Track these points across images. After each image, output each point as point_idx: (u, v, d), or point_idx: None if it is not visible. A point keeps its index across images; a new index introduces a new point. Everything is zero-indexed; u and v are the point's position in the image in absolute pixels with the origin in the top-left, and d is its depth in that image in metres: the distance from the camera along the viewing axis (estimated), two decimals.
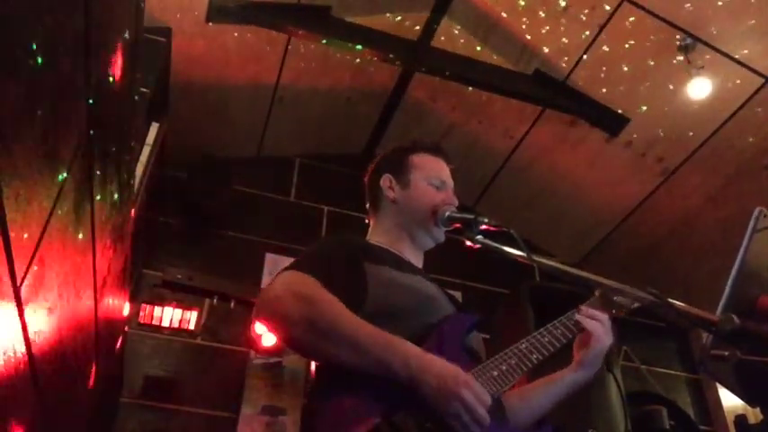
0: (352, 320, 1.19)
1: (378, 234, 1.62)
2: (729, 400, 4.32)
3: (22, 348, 1.20)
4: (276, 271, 1.37)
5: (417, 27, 3.73)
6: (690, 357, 4.69)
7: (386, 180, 1.64)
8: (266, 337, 3.30)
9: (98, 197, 1.51)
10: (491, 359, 1.32)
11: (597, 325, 1.41)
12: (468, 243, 1.45)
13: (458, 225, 1.51)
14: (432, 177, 1.62)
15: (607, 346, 1.44)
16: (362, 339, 1.17)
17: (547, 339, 1.40)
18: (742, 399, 1.67)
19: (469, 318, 1.40)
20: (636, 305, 1.38)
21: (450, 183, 1.66)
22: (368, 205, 1.70)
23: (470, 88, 3.97)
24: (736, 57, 3.39)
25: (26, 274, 1.06)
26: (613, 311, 1.49)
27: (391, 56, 3.73)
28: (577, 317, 1.43)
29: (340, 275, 1.31)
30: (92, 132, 1.31)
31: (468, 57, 3.83)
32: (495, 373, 1.27)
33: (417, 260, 1.60)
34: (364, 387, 1.15)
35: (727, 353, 1.45)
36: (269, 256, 3.88)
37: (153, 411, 3.22)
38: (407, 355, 1.16)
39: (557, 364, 1.51)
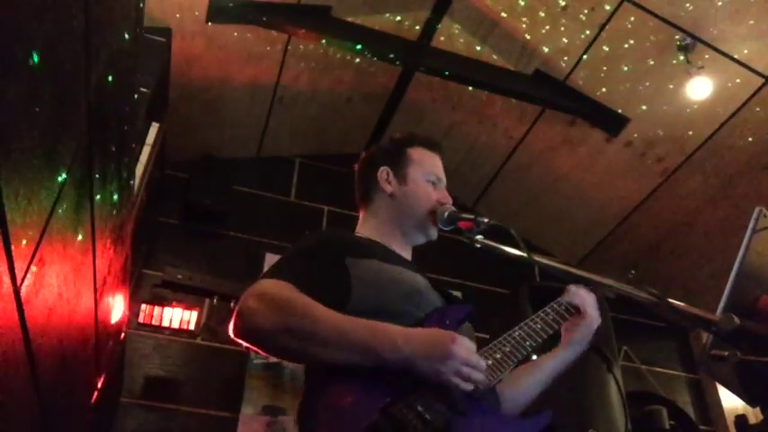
0: (330, 317, 1.17)
1: (368, 227, 1.60)
2: (729, 400, 4.32)
3: (22, 349, 1.20)
4: None
5: (417, 27, 3.73)
6: (690, 357, 4.69)
7: (383, 172, 1.62)
8: None
9: (98, 197, 1.51)
10: (485, 348, 1.32)
11: (587, 302, 1.46)
12: (468, 243, 1.45)
13: (457, 225, 1.51)
14: (429, 173, 1.62)
15: (596, 324, 1.50)
16: (345, 333, 1.15)
17: (539, 326, 1.42)
18: (742, 399, 1.67)
19: (460, 309, 1.39)
20: (621, 291, 1.40)
21: (445, 180, 1.65)
22: (358, 196, 1.67)
23: (470, 88, 3.97)
24: (736, 57, 3.39)
25: (26, 274, 1.06)
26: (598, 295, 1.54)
27: (391, 56, 3.73)
28: (568, 293, 1.48)
29: (318, 276, 1.29)
30: (92, 132, 1.31)
31: (468, 57, 3.83)
32: (490, 362, 1.27)
33: (406, 254, 1.58)
34: (358, 382, 1.15)
35: (727, 353, 1.46)
36: (269, 256, 3.87)
37: (153, 411, 3.22)
38: (392, 335, 1.15)
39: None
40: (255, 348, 1.23)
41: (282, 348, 1.20)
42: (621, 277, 1.37)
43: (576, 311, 1.49)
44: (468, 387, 1.13)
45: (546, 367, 1.50)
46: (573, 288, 1.51)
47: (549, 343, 1.49)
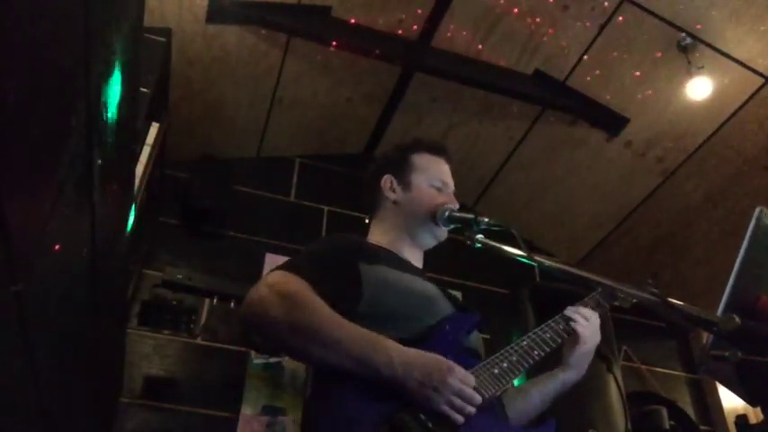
0: (333, 321, 1.18)
1: (377, 234, 1.61)
2: (729, 400, 4.31)
3: (22, 349, 1.20)
4: None
5: (417, 27, 3.73)
6: (690, 357, 4.69)
7: (387, 181, 1.63)
8: None
9: (98, 197, 1.51)
10: (492, 356, 1.31)
11: (584, 325, 1.43)
12: (469, 243, 1.45)
13: (457, 225, 1.51)
14: (433, 179, 1.62)
15: (593, 347, 1.47)
16: (344, 340, 1.15)
17: (548, 335, 1.41)
18: (743, 399, 1.67)
19: (470, 317, 1.40)
20: (633, 301, 1.39)
21: (452, 184, 1.65)
22: (365, 204, 1.69)
23: (470, 88, 3.97)
24: (736, 57, 3.39)
25: (26, 274, 1.06)
26: (606, 308, 1.51)
27: (391, 56, 3.72)
28: (570, 311, 1.46)
29: (331, 276, 1.29)
30: (91, 132, 1.31)
31: (468, 57, 3.83)
32: (496, 371, 1.27)
33: (417, 260, 1.59)
34: (364, 388, 1.14)
35: (727, 353, 1.46)
36: (269, 256, 3.87)
37: (153, 411, 3.22)
38: (389, 352, 1.15)
39: (558, 361, 1.52)
40: (258, 332, 1.23)
41: (282, 340, 1.20)
42: (621, 278, 1.37)
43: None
44: (460, 420, 1.11)
45: (544, 388, 1.48)
46: (572, 308, 1.48)
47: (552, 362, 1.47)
